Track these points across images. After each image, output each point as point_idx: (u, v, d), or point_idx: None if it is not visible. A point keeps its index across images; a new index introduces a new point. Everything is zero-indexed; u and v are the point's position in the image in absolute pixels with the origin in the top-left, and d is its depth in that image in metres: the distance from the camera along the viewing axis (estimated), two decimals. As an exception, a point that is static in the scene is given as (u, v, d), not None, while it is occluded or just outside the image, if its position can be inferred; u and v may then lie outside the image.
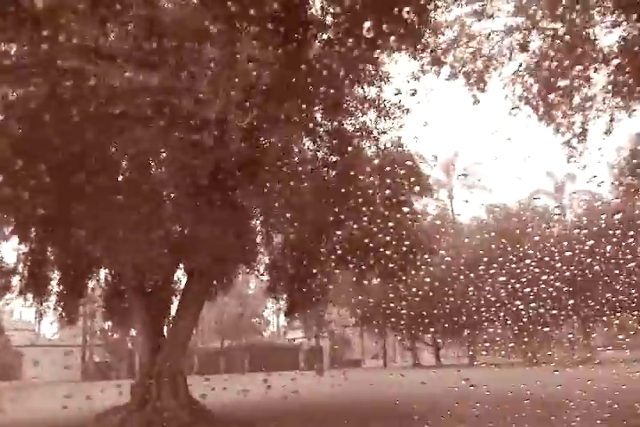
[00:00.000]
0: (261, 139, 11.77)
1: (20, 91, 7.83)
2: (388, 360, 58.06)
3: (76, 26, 6.52)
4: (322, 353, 57.32)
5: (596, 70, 15.46)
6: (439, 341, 52.03)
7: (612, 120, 16.54)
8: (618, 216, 25.94)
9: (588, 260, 28.72)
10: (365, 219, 13.06)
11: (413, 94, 13.10)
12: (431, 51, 13.24)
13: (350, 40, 9.95)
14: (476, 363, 44.98)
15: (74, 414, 16.15)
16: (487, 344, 45.42)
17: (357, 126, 14.51)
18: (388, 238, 13.36)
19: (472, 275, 34.21)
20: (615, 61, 14.69)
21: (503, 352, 43.96)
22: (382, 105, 14.19)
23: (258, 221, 16.54)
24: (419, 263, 16.15)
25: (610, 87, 15.66)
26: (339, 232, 14.08)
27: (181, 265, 16.06)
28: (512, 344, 44.01)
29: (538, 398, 9.94)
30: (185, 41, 7.43)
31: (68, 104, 7.61)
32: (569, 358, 38.50)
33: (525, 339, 42.15)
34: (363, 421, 12.00)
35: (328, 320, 41.77)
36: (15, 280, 17.08)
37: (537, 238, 40.24)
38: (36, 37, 6.72)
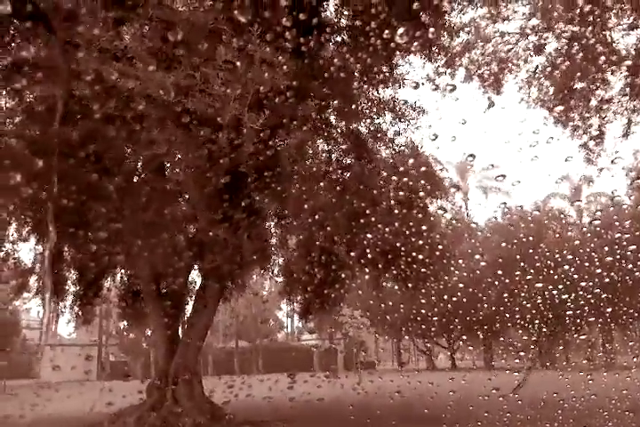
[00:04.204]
0: (276, 140, 11.83)
1: (37, 92, 7.94)
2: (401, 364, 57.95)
3: (92, 27, 6.62)
4: (336, 355, 57.31)
5: (612, 73, 15.37)
6: (459, 344, 51.71)
7: (629, 123, 16.43)
8: None
9: (630, 266, 27.81)
10: (385, 220, 13.06)
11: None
12: (446, 53, 13.21)
13: (365, 42, 9.97)
14: (495, 366, 44.54)
15: (90, 413, 16.26)
16: (522, 353, 44.76)
17: (372, 128, 14.50)
18: (421, 242, 13.36)
19: (507, 280, 33.61)
20: (632, 64, 14.59)
21: (539, 361, 43.43)
22: (397, 107, 14.17)
23: (272, 223, 16.60)
24: (452, 268, 16.08)
25: (627, 90, 15.57)
26: (355, 234, 14.04)
27: (196, 266, 16.15)
28: (542, 351, 43.37)
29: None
30: (199, 43, 7.50)
31: (85, 105, 7.70)
32: (606, 365, 37.95)
33: (561, 347, 41.48)
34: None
35: (342, 322, 41.64)
36: (32, 280, 17.30)
37: (577, 243, 39.33)
38: (52, 39, 6.83)
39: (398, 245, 13.30)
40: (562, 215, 42.90)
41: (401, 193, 13.37)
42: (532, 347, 43.33)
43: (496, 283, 33.56)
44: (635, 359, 31.94)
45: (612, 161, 16.55)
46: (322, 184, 12.58)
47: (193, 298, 16.67)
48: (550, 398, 10.38)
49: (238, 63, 7.74)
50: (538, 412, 10.20)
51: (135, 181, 12.65)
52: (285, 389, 19.28)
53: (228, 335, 59.21)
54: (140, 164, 12.66)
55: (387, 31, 9.23)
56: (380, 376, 33.03)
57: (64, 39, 6.91)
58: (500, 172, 49.11)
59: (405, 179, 13.53)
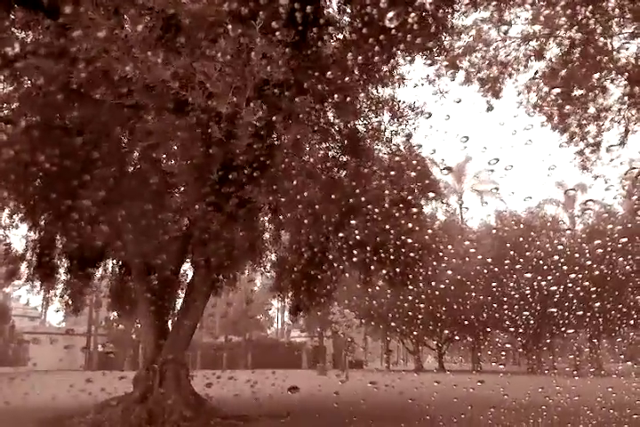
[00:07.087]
0: (273, 136, 11.81)
1: (34, 78, 7.92)
2: (389, 363, 58.12)
3: (92, 15, 6.62)
4: (325, 353, 57.33)
5: (612, 81, 15.43)
6: (443, 345, 51.79)
7: (626, 132, 16.48)
8: None
9: (620, 258, 27.19)
10: (377, 219, 13.06)
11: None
12: (447, 54, 13.22)
13: (366, 40, 9.97)
14: (480, 369, 44.50)
15: (75, 403, 16.25)
16: (509, 345, 44.36)
17: (370, 127, 14.48)
18: (410, 226, 13.38)
19: (497, 269, 33.26)
20: (632, 72, 14.65)
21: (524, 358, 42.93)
22: (396, 106, 14.15)
23: (266, 218, 16.59)
24: (441, 254, 16.06)
25: (625, 98, 15.63)
26: (347, 232, 14.01)
27: (188, 258, 16.14)
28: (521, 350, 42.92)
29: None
30: (199, 35, 7.50)
31: (82, 93, 7.69)
32: (595, 366, 37.66)
33: (548, 340, 41.09)
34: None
35: (332, 320, 41.71)
36: (23, 267, 17.24)
37: (569, 232, 38.73)
38: (52, 26, 6.82)
39: (387, 227, 13.26)
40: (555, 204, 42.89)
41: (395, 183, 13.42)
42: (519, 340, 43.09)
43: (485, 271, 33.29)
44: (622, 356, 31.78)
45: (608, 149, 16.58)
46: (317, 181, 12.56)
47: (184, 290, 16.66)
48: (536, 393, 10.46)
49: (238, 56, 7.74)
50: (522, 406, 10.25)
51: (130, 169, 12.62)
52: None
53: (217, 329, 58.97)
54: (135, 154, 12.62)
55: (388, 29, 9.25)
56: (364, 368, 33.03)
57: (64, 26, 6.90)
58: (493, 157, 49.16)
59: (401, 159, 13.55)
